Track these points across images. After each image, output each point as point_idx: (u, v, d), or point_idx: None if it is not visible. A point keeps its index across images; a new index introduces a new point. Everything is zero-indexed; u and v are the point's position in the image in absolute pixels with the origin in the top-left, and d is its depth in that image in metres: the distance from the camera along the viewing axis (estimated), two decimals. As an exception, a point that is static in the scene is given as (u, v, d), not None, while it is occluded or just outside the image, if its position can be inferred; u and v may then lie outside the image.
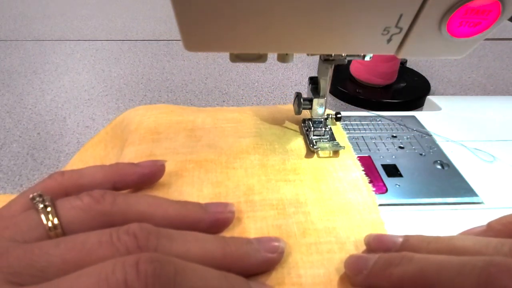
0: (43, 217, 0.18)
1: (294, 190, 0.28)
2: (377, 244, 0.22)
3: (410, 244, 0.21)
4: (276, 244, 0.21)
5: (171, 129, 0.33)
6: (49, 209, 0.18)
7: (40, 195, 0.19)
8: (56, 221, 0.18)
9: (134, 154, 0.31)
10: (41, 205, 0.18)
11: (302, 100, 0.33)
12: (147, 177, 0.25)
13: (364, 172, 0.30)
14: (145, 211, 0.20)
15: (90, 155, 0.36)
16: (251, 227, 0.24)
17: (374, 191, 0.28)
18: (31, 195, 0.19)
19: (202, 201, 0.26)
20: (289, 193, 0.27)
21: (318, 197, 0.27)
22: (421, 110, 0.43)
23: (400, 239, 0.21)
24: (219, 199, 0.27)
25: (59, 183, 0.22)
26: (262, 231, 0.24)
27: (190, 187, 0.28)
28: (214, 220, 0.22)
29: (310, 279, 0.21)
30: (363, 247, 0.23)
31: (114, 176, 0.23)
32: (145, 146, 0.32)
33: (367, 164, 0.32)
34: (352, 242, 0.24)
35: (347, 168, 0.30)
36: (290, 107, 0.37)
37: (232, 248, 0.19)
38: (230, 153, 0.31)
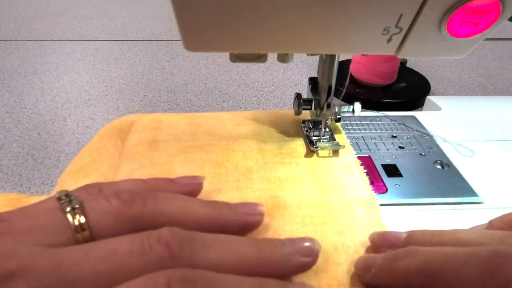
0: (70, 219, 0.17)
1: (290, 171, 0.30)
2: (381, 241, 0.22)
3: (414, 239, 0.21)
4: (310, 245, 0.20)
5: (172, 118, 0.36)
6: (76, 211, 0.17)
7: (66, 195, 0.18)
8: (84, 223, 0.17)
9: (137, 140, 0.33)
10: (69, 208, 0.17)
11: (302, 101, 0.32)
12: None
13: (356, 157, 0.31)
14: (176, 214, 0.19)
15: (86, 148, 0.36)
16: (250, 196, 0.27)
17: (374, 191, 0.28)
18: (57, 195, 0.18)
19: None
20: (285, 173, 0.29)
21: (313, 177, 0.29)
22: (421, 110, 0.43)
23: (404, 235, 0.21)
24: (219, 179, 0.28)
25: None
26: (261, 200, 0.26)
27: (192, 164, 0.30)
28: (244, 224, 0.21)
29: None
30: (355, 221, 0.25)
31: None
32: (148, 132, 0.33)
33: (367, 164, 0.32)
34: (344, 216, 0.25)
35: (340, 153, 0.32)
36: (289, 111, 0.37)
37: (267, 252, 0.18)
38: (229, 138, 0.33)
